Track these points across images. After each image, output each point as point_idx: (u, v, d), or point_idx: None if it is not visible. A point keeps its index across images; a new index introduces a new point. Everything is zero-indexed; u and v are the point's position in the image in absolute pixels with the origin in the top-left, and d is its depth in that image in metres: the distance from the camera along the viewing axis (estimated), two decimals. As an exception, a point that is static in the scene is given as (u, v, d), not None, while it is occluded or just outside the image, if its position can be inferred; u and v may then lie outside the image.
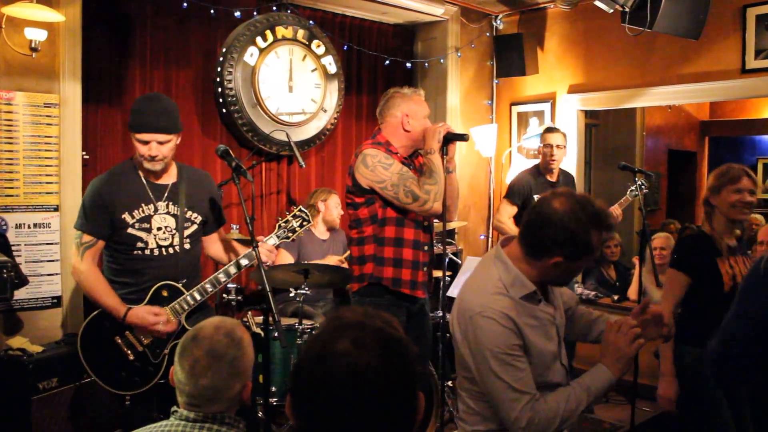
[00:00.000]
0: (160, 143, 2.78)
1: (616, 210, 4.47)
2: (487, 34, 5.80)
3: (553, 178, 4.64)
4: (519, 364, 1.89)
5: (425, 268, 3.24)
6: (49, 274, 3.72)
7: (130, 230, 2.79)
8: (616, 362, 1.98)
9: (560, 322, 2.09)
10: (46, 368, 3.30)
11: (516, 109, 5.78)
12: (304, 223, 3.04)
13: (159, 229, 2.84)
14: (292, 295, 4.04)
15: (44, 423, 3.26)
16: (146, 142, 2.76)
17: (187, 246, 2.91)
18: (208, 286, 2.86)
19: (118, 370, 2.76)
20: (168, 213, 2.87)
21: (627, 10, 4.11)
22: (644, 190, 4.37)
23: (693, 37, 4.26)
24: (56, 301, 3.76)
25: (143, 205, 2.83)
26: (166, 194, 2.88)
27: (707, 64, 4.65)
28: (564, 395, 1.95)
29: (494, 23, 5.82)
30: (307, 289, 3.95)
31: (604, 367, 1.99)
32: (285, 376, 3.86)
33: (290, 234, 3.02)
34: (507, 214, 4.67)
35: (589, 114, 5.53)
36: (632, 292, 5.21)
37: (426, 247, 3.25)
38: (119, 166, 2.99)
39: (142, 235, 2.81)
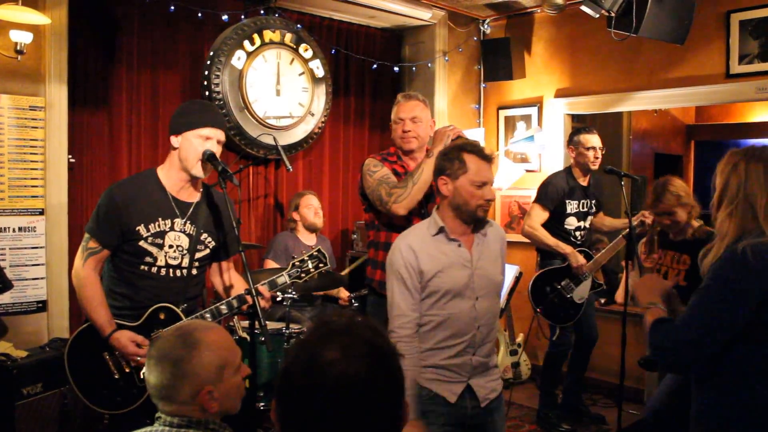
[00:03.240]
0: (219, 142, 2.66)
1: (647, 217, 4.19)
2: (475, 38, 5.83)
3: (584, 182, 4.42)
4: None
5: None
6: (34, 279, 3.70)
7: (142, 243, 2.61)
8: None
9: (480, 272, 2.43)
10: (31, 373, 3.26)
11: (503, 113, 5.80)
12: (320, 265, 2.87)
13: (171, 247, 2.66)
14: (279, 299, 4.03)
15: (29, 429, 3.22)
16: (207, 139, 2.60)
17: (194, 271, 2.73)
18: (207, 315, 2.66)
19: (102, 387, 2.60)
20: (183, 232, 2.68)
21: (613, 14, 4.14)
22: None
23: (678, 42, 4.30)
24: (41, 306, 3.73)
25: (161, 219, 2.64)
26: (188, 213, 2.70)
27: (692, 69, 4.69)
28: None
29: (482, 27, 5.84)
30: (294, 293, 3.95)
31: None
32: (272, 381, 3.85)
33: (303, 275, 2.85)
34: (539, 220, 4.33)
35: (575, 118, 5.56)
36: (619, 295, 5.23)
37: None
38: (142, 174, 2.85)
39: (153, 250, 2.63)
